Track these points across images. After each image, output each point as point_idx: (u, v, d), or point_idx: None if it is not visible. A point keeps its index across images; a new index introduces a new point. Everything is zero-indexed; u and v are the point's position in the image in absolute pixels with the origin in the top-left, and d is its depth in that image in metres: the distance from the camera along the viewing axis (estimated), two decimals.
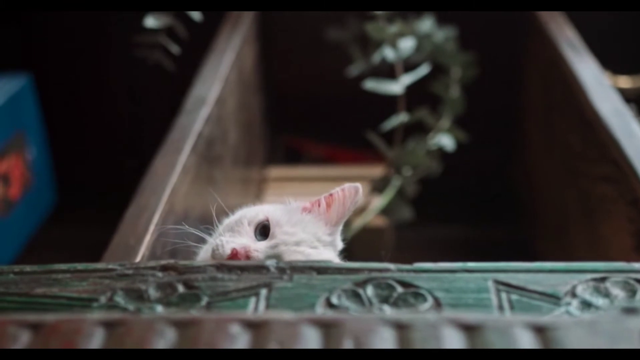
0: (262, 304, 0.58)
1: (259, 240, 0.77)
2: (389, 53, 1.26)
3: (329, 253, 0.78)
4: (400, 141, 1.36)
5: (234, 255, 0.73)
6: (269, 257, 0.74)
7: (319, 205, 0.80)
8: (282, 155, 1.80)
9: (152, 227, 0.91)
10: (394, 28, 1.23)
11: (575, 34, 1.43)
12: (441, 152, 1.41)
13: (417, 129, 1.42)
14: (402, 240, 1.47)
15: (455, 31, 1.54)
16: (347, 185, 0.81)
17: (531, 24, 1.57)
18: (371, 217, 1.41)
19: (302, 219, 0.79)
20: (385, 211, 1.38)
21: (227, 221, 0.81)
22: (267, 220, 0.77)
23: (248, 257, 0.73)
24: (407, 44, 1.27)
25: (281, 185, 1.68)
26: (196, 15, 1.24)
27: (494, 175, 1.77)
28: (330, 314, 0.55)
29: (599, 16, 1.66)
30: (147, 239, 0.89)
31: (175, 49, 1.24)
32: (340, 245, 0.82)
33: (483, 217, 1.68)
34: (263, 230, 0.77)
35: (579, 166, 1.28)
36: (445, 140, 1.38)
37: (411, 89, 1.34)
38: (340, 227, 0.82)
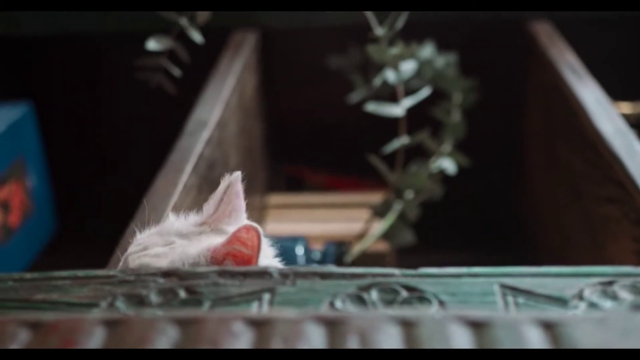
0: (265, 307, 0.58)
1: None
2: (390, 75, 1.26)
3: (199, 242, 0.75)
4: (402, 165, 1.36)
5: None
6: (122, 271, 0.70)
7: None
8: (283, 183, 1.80)
9: None
10: (395, 50, 1.23)
11: (576, 59, 1.43)
12: (443, 177, 1.41)
13: (419, 154, 1.41)
14: (404, 265, 1.46)
15: (456, 57, 1.54)
16: (226, 176, 0.80)
17: (531, 49, 1.58)
18: (372, 241, 1.40)
19: (167, 224, 0.78)
20: (387, 235, 1.38)
21: None
22: None
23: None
24: (408, 67, 1.27)
25: (282, 212, 1.67)
26: (197, 38, 1.24)
27: (497, 200, 1.77)
28: (334, 313, 0.54)
29: (600, 42, 1.67)
30: None
31: (176, 71, 1.24)
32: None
33: (486, 241, 1.67)
34: None
35: (582, 188, 1.27)
36: (447, 164, 1.38)
37: (412, 114, 1.34)
38: (230, 217, 0.79)
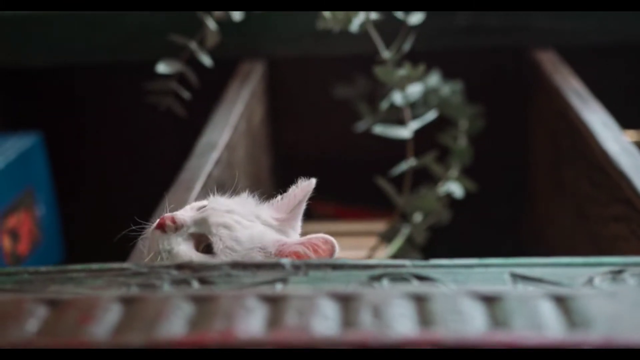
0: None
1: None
2: (397, 98, 1.27)
3: (272, 232, 0.79)
4: (409, 188, 1.36)
5: (161, 219, 0.77)
6: (195, 220, 0.77)
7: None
8: None
9: None
10: (402, 71, 1.24)
11: (581, 85, 1.44)
12: (450, 201, 1.42)
13: (426, 179, 1.42)
14: None
15: (461, 85, 1.56)
16: (301, 181, 0.84)
17: (536, 77, 1.59)
18: None
19: (245, 199, 0.82)
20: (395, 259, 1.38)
21: None
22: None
23: (172, 220, 0.76)
24: (415, 89, 1.28)
25: None
26: (207, 61, 1.26)
27: (503, 226, 1.77)
28: (348, 290, 0.54)
29: (605, 70, 1.68)
30: None
31: (186, 94, 1.26)
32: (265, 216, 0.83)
33: None
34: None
35: (589, 211, 1.27)
36: (454, 188, 1.39)
37: (419, 140, 1.35)
38: (295, 221, 0.83)
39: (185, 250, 0.75)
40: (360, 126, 1.56)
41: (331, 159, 1.81)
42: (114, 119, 1.82)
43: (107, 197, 1.87)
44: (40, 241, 1.70)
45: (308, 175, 1.83)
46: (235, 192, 1.33)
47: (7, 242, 1.56)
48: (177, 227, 0.77)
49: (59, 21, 1.69)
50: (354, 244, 1.62)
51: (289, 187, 1.88)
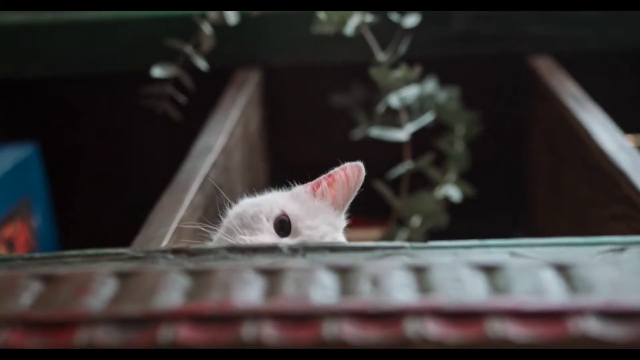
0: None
1: (280, 236, 0.75)
2: (393, 100, 1.27)
3: (342, 238, 0.78)
4: (407, 192, 1.36)
5: None
6: None
7: (319, 187, 0.81)
8: None
9: None
10: (398, 73, 1.24)
11: (578, 89, 1.44)
12: (448, 206, 1.41)
13: (423, 184, 1.42)
14: None
15: (458, 91, 1.56)
16: (348, 165, 0.82)
17: (532, 82, 1.59)
18: None
19: (316, 208, 0.78)
20: None
21: (235, 215, 0.80)
22: (285, 215, 0.76)
23: None
24: (411, 91, 1.28)
25: None
26: (202, 65, 1.26)
27: (502, 232, 1.76)
28: (346, 261, 0.53)
29: (601, 75, 1.68)
30: None
31: (182, 98, 1.26)
32: (343, 224, 0.82)
33: None
34: (280, 225, 0.76)
35: (588, 214, 1.27)
36: (452, 191, 1.38)
37: (416, 146, 1.35)
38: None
39: None
40: (357, 134, 1.55)
41: (328, 167, 1.80)
42: (110, 129, 1.81)
43: (104, 207, 1.86)
44: (36, 251, 1.69)
45: (304, 182, 1.82)
46: (232, 197, 1.33)
47: (3, 252, 1.55)
48: None
49: (54, 31, 1.69)
50: None
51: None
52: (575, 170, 1.33)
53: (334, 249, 0.62)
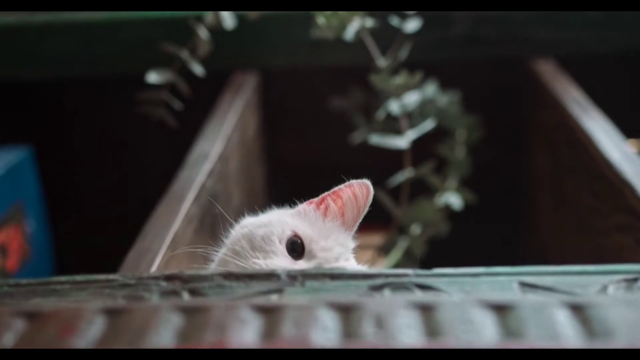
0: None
1: (293, 258, 0.73)
2: (393, 106, 1.24)
3: (353, 260, 0.76)
4: (407, 200, 1.33)
5: None
6: None
7: (322, 203, 0.79)
8: None
9: (153, 270, 0.88)
10: (398, 79, 1.21)
11: (581, 94, 1.42)
12: (449, 213, 1.39)
13: (424, 191, 1.39)
14: None
15: (459, 95, 1.53)
16: (355, 183, 0.79)
17: (535, 86, 1.57)
18: None
19: (328, 228, 0.76)
20: None
21: (242, 236, 0.77)
22: (297, 236, 0.74)
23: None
24: (412, 98, 1.25)
25: None
26: (198, 70, 1.23)
27: (503, 238, 1.74)
28: (349, 299, 0.51)
29: (604, 79, 1.66)
30: None
31: (178, 104, 1.23)
32: (352, 245, 0.80)
33: None
34: (292, 246, 0.74)
35: (591, 222, 1.24)
36: (453, 199, 1.36)
37: (417, 152, 1.32)
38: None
39: None
40: (356, 138, 1.53)
41: (326, 171, 1.77)
42: (104, 133, 1.79)
43: (98, 212, 1.83)
44: (30, 257, 1.66)
45: (303, 187, 1.80)
46: (228, 205, 1.30)
47: None
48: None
49: (49, 34, 1.67)
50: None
51: (284, 199, 1.86)
52: (578, 177, 1.31)
53: (334, 276, 0.59)
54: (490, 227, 1.73)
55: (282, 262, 0.72)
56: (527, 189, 1.69)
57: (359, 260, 1.44)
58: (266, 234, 0.75)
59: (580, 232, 1.31)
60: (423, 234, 1.34)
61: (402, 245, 1.34)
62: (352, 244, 0.77)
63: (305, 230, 0.75)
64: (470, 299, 0.45)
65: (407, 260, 1.35)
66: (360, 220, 0.79)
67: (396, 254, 1.34)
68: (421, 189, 1.39)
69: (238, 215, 1.37)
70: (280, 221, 0.77)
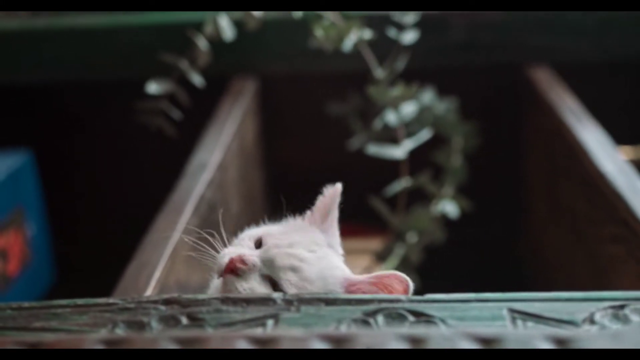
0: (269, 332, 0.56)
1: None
2: (391, 117, 1.26)
3: (334, 256, 0.80)
4: (404, 208, 1.35)
5: (230, 262, 0.74)
6: (263, 260, 0.75)
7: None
8: None
9: (153, 283, 0.89)
10: (396, 91, 1.23)
11: (576, 102, 1.43)
12: (445, 221, 1.40)
13: (420, 199, 1.41)
14: None
15: (456, 102, 1.54)
16: (326, 189, 0.83)
17: (531, 94, 1.58)
18: None
19: (295, 224, 0.81)
20: None
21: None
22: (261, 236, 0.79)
23: (243, 262, 0.74)
24: (409, 109, 1.26)
25: None
26: (198, 80, 1.24)
27: (499, 245, 1.75)
28: (341, 332, 0.52)
29: (600, 86, 1.67)
30: (148, 294, 0.87)
31: (177, 114, 1.24)
32: (340, 252, 0.83)
33: (489, 286, 1.65)
34: (260, 245, 0.79)
35: (585, 230, 1.26)
36: (449, 207, 1.37)
37: (414, 159, 1.33)
38: (333, 230, 0.84)
39: (264, 291, 0.72)
40: (354, 143, 1.54)
41: (324, 176, 1.78)
42: (105, 137, 1.80)
43: (98, 216, 1.85)
44: (30, 261, 1.68)
45: (301, 192, 1.81)
46: (227, 213, 1.32)
47: None
48: (248, 268, 0.74)
49: (49, 38, 1.68)
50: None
51: (282, 205, 1.87)
52: (573, 185, 1.32)
53: (329, 301, 0.61)
54: (486, 230, 1.74)
55: (240, 250, 0.77)
56: (522, 195, 1.70)
57: (357, 266, 1.46)
58: (243, 235, 0.83)
59: (574, 239, 1.32)
60: (419, 242, 1.35)
61: (398, 252, 1.35)
62: (324, 237, 0.80)
63: (270, 230, 0.82)
64: (459, 333, 0.47)
65: (404, 267, 1.36)
66: (329, 216, 0.83)
67: (393, 261, 1.35)
68: (418, 195, 1.40)
69: (237, 224, 1.39)
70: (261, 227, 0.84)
